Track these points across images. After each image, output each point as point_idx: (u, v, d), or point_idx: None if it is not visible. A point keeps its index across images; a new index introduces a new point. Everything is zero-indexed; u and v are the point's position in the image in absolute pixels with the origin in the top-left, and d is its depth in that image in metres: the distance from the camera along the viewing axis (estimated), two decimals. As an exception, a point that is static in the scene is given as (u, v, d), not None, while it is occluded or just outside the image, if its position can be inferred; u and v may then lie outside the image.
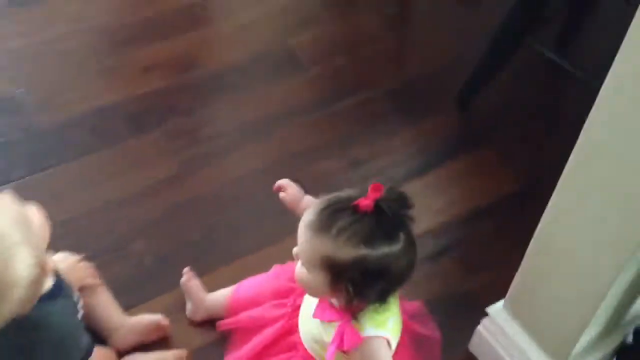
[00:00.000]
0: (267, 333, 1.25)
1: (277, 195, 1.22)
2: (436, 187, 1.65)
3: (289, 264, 1.33)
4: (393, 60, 2.01)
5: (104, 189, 1.57)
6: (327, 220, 1.02)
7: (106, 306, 1.30)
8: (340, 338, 1.08)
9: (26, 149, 1.62)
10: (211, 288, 1.37)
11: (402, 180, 1.61)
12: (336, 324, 1.09)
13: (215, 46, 1.97)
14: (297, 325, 1.24)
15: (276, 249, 1.41)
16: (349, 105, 1.81)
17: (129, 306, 1.34)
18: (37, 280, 0.98)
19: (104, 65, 1.85)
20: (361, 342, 1.08)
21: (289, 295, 1.28)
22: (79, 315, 1.15)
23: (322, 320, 1.13)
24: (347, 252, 1.00)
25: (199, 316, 1.35)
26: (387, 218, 1.00)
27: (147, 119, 1.73)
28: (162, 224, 1.51)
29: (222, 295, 1.35)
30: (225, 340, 1.30)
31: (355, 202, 1.01)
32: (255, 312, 1.29)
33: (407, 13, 2.19)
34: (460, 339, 1.36)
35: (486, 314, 1.30)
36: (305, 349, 1.21)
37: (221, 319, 1.33)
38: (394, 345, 1.12)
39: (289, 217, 1.18)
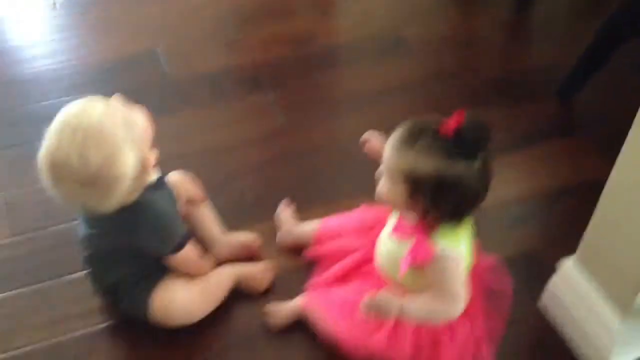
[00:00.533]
0: (348, 260, 1.37)
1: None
2: (527, 164, 1.72)
3: (376, 205, 1.45)
4: (500, 55, 2.12)
5: (219, 134, 1.77)
6: (410, 137, 1.13)
7: (208, 220, 1.45)
8: (413, 253, 1.18)
9: (160, 94, 1.86)
10: (303, 222, 1.50)
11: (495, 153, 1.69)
12: (411, 242, 1.19)
13: (333, 26, 2.15)
14: (373, 256, 1.34)
15: (369, 197, 1.52)
16: (450, 87, 1.94)
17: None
18: (140, 175, 1.15)
19: (232, 35, 2.10)
20: (433, 258, 1.17)
21: (372, 229, 1.39)
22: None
23: (398, 239, 1.23)
24: (428, 165, 1.10)
25: (288, 243, 1.49)
26: (467, 142, 1.10)
27: (264, 82, 1.93)
28: (265, 168, 1.68)
29: (310, 226, 1.47)
30: (308, 267, 1.42)
31: (438, 125, 1.12)
32: (339, 242, 1.41)
33: (523, 19, 2.29)
34: (531, 295, 1.41)
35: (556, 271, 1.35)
36: (380, 276, 1.31)
37: (307, 248, 1.45)
38: (463, 267, 1.20)
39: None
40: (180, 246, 1.26)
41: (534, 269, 1.46)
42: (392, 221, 1.28)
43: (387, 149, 1.16)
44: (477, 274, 1.29)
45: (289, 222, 1.51)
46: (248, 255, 1.45)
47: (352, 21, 2.18)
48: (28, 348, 1.30)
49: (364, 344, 1.25)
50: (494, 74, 2.00)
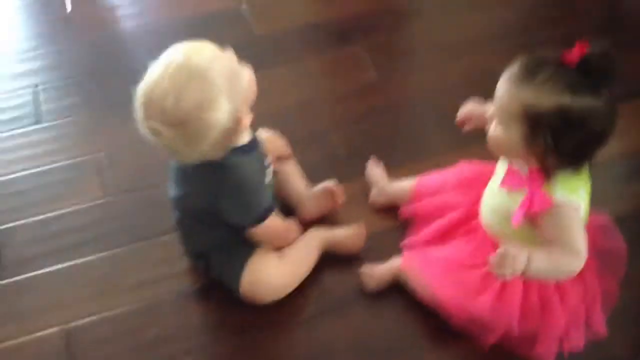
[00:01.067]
0: (449, 217, 1.29)
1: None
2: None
3: (475, 161, 1.36)
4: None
5: (310, 89, 1.71)
6: (531, 69, 1.03)
7: (295, 177, 1.40)
8: (529, 201, 1.08)
9: (248, 52, 1.80)
10: (396, 180, 1.43)
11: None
12: (523, 193, 1.10)
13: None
14: (478, 212, 1.26)
15: (462, 153, 1.43)
16: (550, 34, 1.80)
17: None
18: (232, 130, 1.10)
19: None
20: (551, 206, 1.07)
21: (472, 185, 1.31)
22: (267, 179, 1.24)
23: (508, 190, 1.13)
24: (550, 99, 1.00)
25: (381, 201, 1.42)
26: (592, 72, 1.00)
27: (352, 35, 1.85)
28: (357, 123, 1.61)
29: (405, 184, 1.40)
30: (404, 227, 1.36)
31: (562, 54, 1.01)
32: (437, 199, 1.33)
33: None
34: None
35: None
36: (485, 232, 1.22)
37: (402, 207, 1.38)
38: (583, 215, 1.11)
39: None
40: (261, 218, 1.21)
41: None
42: (499, 172, 1.18)
43: (501, 85, 1.07)
44: (588, 233, 1.16)
45: (382, 180, 1.43)
46: (332, 206, 1.39)
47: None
48: (118, 310, 1.30)
49: (468, 306, 1.18)
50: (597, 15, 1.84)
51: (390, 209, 1.41)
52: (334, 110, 1.65)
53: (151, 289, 1.32)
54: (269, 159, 1.27)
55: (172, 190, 1.24)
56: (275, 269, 1.26)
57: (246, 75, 1.15)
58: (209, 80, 1.05)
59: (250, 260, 1.26)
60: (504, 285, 1.17)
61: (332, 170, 1.48)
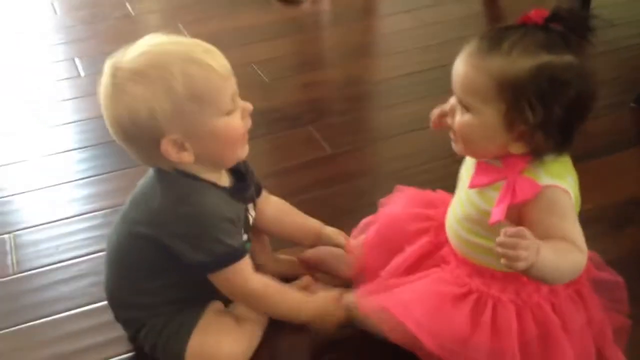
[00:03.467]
0: (410, 251, 1.08)
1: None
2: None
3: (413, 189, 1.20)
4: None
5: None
6: (494, 39, 0.89)
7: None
8: (512, 190, 0.90)
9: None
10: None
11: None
12: (500, 185, 0.92)
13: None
14: (445, 241, 1.06)
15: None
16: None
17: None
18: (148, 140, 0.92)
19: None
20: (540, 190, 0.90)
21: (436, 205, 1.13)
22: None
23: (482, 189, 0.96)
24: (526, 62, 0.86)
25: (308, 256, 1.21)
26: (564, 25, 0.88)
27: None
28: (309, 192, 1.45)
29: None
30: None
31: (525, 16, 0.89)
32: (397, 217, 1.13)
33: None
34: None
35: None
36: (457, 256, 1.03)
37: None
38: (575, 205, 0.93)
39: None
40: (228, 259, 0.98)
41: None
42: (464, 178, 1.02)
43: (460, 65, 0.92)
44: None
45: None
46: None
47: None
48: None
49: (460, 352, 0.95)
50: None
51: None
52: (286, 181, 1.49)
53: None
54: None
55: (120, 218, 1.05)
56: (228, 338, 1.03)
57: (230, 125, 0.95)
58: (167, 65, 0.90)
59: (197, 326, 1.03)
60: (496, 315, 0.96)
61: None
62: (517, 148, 0.91)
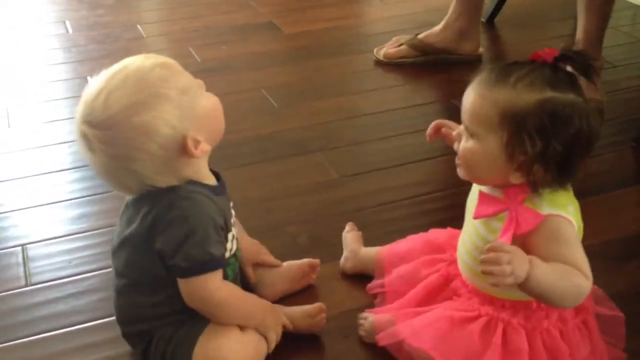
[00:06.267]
0: (425, 284, 1.14)
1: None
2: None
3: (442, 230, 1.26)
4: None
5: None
6: (503, 71, 0.95)
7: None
8: (515, 222, 0.94)
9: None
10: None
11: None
12: (504, 216, 0.97)
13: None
14: (456, 274, 1.12)
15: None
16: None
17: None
18: (173, 150, 0.96)
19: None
20: (542, 220, 0.94)
21: (444, 249, 1.18)
22: (227, 246, 1.06)
23: (486, 219, 1.00)
24: (531, 95, 0.91)
25: (348, 266, 1.28)
26: (572, 66, 0.93)
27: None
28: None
29: (375, 250, 1.27)
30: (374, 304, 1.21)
31: (535, 53, 0.95)
32: (407, 268, 1.19)
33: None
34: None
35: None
36: (468, 287, 1.08)
37: (373, 275, 1.24)
38: (577, 233, 0.97)
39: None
40: (203, 266, 1.00)
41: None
42: (470, 207, 1.06)
43: (470, 93, 0.97)
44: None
45: (354, 244, 1.30)
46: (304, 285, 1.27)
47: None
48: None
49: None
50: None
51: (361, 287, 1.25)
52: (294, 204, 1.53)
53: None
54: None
55: (115, 239, 1.07)
56: (236, 343, 1.05)
57: (209, 100, 1.03)
58: (148, 81, 0.95)
59: (203, 332, 1.05)
60: (506, 337, 1.00)
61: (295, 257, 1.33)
62: (516, 178, 0.96)
